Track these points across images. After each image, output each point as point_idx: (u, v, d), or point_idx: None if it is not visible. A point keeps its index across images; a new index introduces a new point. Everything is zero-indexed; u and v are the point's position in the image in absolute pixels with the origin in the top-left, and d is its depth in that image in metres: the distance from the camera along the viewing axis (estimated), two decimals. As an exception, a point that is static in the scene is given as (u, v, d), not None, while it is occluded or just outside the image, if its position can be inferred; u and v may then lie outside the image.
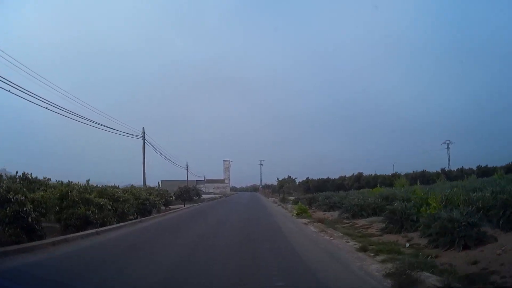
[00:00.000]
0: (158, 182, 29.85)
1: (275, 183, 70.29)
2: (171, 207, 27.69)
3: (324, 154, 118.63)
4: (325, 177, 45.62)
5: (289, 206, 23.66)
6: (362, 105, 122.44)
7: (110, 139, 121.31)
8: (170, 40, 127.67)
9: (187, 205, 30.89)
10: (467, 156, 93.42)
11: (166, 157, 38.48)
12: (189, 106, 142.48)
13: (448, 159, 64.17)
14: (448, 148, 66.24)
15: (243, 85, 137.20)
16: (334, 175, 48.65)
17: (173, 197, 28.50)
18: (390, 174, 43.61)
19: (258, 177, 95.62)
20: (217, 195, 62.35)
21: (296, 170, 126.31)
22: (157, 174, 74.55)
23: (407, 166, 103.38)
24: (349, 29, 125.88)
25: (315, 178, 47.61)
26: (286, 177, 55.67)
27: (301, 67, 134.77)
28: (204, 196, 55.85)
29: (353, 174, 41.73)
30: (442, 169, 53.06)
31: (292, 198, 33.21)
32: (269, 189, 68.01)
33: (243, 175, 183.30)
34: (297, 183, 51.63)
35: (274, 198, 40.61)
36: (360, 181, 40.79)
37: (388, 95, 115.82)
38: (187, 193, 44.57)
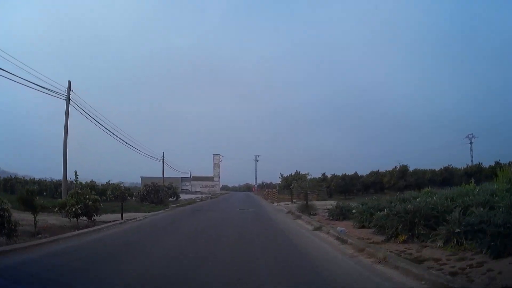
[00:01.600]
0: (75, 171, 16.04)
1: (274, 181, 57.23)
2: (97, 219, 14.57)
3: (324, 151, 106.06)
4: (352, 173, 32.45)
5: (338, 229, 10.40)
6: (361, 102, 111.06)
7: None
8: (159, 30, 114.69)
9: (133, 216, 17.72)
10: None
11: (112, 134, 25.06)
12: (177, 98, 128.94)
13: (471, 155, 56.43)
14: (471, 143, 58.70)
15: (235, 77, 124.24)
16: (336, 173, 36.98)
17: (100, 203, 15.07)
18: (443, 168, 30.86)
19: (251, 175, 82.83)
20: (203, 195, 49.35)
21: (293, 167, 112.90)
22: (140, 171, 62.62)
23: (413, 163, 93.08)
24: (357, 18, 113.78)
25: (339, 174, 34.28)
26: (293, 173, 42.00)
27: (300, 59, 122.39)
28: (185, 197, 42.61)
29: (395, 167, 28.79)
30: (497, 162, 42.59)
31: (320, 204, 19.03)
32: (268, 189, 54.28)
33: (236, 173, 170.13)
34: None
35: (286, 204, 26.30)
36: (405, 178, 27.85)
37: (389, 89, 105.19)
38: (156, 193, 31.23)
